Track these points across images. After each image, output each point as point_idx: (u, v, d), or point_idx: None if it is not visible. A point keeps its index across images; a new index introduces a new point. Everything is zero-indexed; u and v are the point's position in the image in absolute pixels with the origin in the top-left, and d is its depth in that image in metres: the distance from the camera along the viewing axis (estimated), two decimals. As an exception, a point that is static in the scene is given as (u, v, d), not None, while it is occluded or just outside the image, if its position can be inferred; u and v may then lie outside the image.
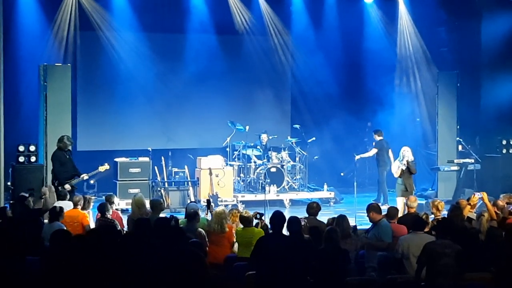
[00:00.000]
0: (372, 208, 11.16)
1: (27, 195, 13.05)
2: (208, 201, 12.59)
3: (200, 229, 11.17)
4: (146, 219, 10.06)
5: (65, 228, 11.24)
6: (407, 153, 15.68)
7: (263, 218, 11.81)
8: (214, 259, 10.56)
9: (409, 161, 15.53)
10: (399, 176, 15.66)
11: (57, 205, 13.32)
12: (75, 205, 12.73)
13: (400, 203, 15.28)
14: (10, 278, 7.78)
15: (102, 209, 12.19)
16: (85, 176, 15.23)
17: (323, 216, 12.38)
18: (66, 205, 12.93)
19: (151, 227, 9.58)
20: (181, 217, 12.15)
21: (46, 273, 7.95)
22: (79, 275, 7.87)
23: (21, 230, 9.01)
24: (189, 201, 17.15)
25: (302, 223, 11.14)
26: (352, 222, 15.27)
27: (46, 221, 13.89)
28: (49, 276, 7.86)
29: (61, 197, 13.76)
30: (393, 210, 11.73)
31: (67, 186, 14.55)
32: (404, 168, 15.53)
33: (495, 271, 9.17)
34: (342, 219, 10.90)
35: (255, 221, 11.43)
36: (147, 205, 13.79)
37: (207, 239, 11.06)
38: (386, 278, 9.27)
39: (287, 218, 9.44)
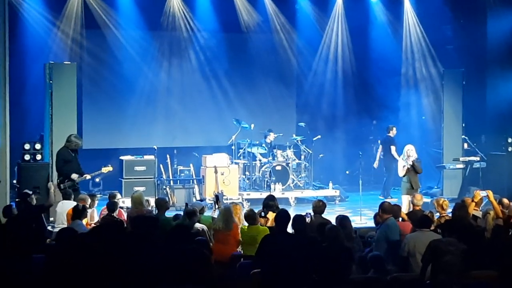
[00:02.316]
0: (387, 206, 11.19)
1: (30, 192, 13.04)
2: (217, 197, 12.58)
3: (203, 226, 11.16)
4: (151, 217, 10.03)
5: (84, 228, 11.28)
6: (411, 152, 15.65)
7: (268, 216, 11.83)
8: (220, 257, 10.52)
9: (414, 161, 15.51)
10: (404, 175, 15.63)
11: (61, 204, 13.35)
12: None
13: (405, 201, 15.26)
14: (16, 276, 7.80)
15: (111, 207, 12.19)
16: (87, 176, 15.21)
17: (330, 216, 12.37)
18: (71, 205, 12.93)
19: (155, 225, 9.55)
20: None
21: (51, 271, 7.96)
22: (83, 274, 7.87)
23: (23, 227, 9.02)
24: (194, 199, 17.18)
25: (307, 219, 11.16)
26: (358, 221, 15.37)
27: (51, 219, 13.98)
28: (54, 274, 7.87)
29: (66, 196, 13.77)
30: (397, 209, 11.71)
31: (65, 185, 14.51)
32: (409, 166, 15.50)
33: (500, 269, 9.15)
34: (344, 220, 10.75)
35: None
36: (151, 202, 13.79)
37: (212, 237, 11.06)
38: (391, 276, 9.25)
39: (292, 216, 9.44)
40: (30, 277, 7.85)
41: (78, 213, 11.59)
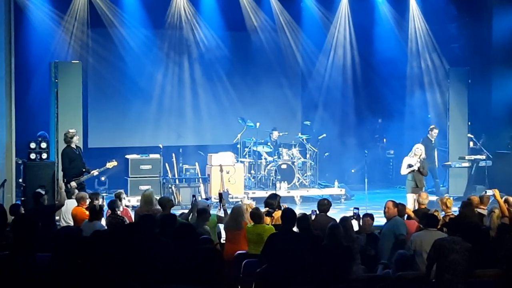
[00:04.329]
0: (395, 205, 11.18)
1: (43, 192, 13.03)
2: (220, 195, 12.59)
3: (206, 227, 11.15)
4: (150, 216, 9.99)
5: (105, 228, 11.29)
6: (419, 151, 15.60)
7: (274, 215, 11.83)
8: (230, 256, 10.52)
9: (422, 162, 15.48)
10: (409, 173, 15.58)
11: (67, 203, 13.35)
12: (78, 202, 12.68)
13: (410, 199, 15.23)
14: (22, 274, 7.82)
15: (112, 206, 12.18)
16: (95, 172, 15.28)
17: (338, 215, 12.36)
18: (75, 204, 12.92)
19: (157, 224, 9.52)
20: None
21: (56, 271, 7.97)
22: (88, 273, 7.87)
23: (30, 227, 9.03)
24: (199, 198, 17.17)
25: (313, 217, 11.17)
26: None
27: (57, 217, 13.98)
28: (58, 274, 7.88)
29: (70, 195, 13.77)
30: (402, 208, 11.72)
31: (73, 184, 14.56)
32: (416, 167, 15.43)
33: (505, 268, 9.14)
34: (344, 222, 10.50)
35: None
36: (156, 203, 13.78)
37: (217, 237, 11.06)
38: (396, 274, 9.25)
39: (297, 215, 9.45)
40: (35, 276, 7.86)
41: (96, 213, 11.51)
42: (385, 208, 11.37)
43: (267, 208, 12.00)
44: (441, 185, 19.99)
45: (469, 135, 19.34)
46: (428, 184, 17.98)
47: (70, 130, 15.25)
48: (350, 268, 9.19)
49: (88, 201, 12.60)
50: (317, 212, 11.67)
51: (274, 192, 15.28)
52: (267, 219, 11.61)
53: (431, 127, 18.90)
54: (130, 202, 16.74)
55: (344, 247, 9.19)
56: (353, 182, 20.88)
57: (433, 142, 18.57)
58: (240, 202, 12.30)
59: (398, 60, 21.47)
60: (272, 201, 12.12)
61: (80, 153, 15.18)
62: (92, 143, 19.32)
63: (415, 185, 15.41)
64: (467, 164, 19.00)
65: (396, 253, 9.70)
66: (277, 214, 11.52)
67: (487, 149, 19.12)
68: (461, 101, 19.52)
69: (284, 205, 12.23)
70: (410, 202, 14.94)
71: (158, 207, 12.38)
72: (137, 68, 20.07)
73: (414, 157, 15.56)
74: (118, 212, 12.11)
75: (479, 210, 12.02)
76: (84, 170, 15.04)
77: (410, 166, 15.57)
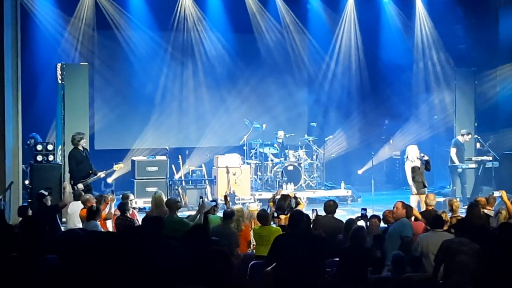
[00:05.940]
0: (405, 206, 11.17)
1: (46, 193, 13.05)
2: (225, 198, 12.60)
3: (234, 230, 11.14)
4: (156, 217, 9.96)
5: (100, 228, 11.32)
6: (422, 155, 15.52)
7: (280, 217, 11.82)
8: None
9: (428, 160, 15.43)
10: (413, 177, 15.48)
11: (72, 206, 13.37)
12: (84, 204, 12.69)
13: (414, 201, 15.15)
14: (30, 277, 7.82)
15: (122, 208, 12.20)
16: (101, 174, 15.29)
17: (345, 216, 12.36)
18: (80, 206, 12.93)
19: (162, 225, 9.51)
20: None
21: (62, 273, 7.97)
22: (91, 276, 7.86)
23: (37, 228, 9.04)
24: (206, 200, 17.14)
25: (313, 215, 11.18)
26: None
27: (64, 219, 14.01)
28: (65, 276, 7.88)
29: (75, 197, 13.79)
30: (409, 209, 11.71)
31: (80, 186, 14.58)
32: (419, 166, 15.37)
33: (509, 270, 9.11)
34: (351, 224, 10.50)
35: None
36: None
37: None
38: (404, 276, 9.24)
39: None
40: (45, 277, 7.87)
41: (93, 214, 11.60)
42: (393, 208, 11.35)
43: (273, 210, 11.98)
44: (447, 186, 19.96)
45: (475, 136, 19.30)
46: (435, 185, 17.95)
47: (82, 135, 15.24)
48: (367, 271, 9.22)
49: (94, 202, 12.62)
50: (317, 210, 11.69)
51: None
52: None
53: (465, 131, 18.59)
54: (136, 204, 16.75)
55: (367, 250, 9.22)
56: (360, 183, 20.85)
57: (464, 146, 18.49)
58: (245, 208, 12.28)
59: (405, 61, 21.47)
60: (283, 203, 12.04)
61: (87, 155, 15.19)
62: (98, 145, 19.33)
63: (423, 185, 15.30)
64: (473, 165, 18.94)
65: (392, 254, 9.67)
66: (285, 216, 11.51)
67: (494, 150, 19.07)
68: (468, 102, 19.51)
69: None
70: (414, 204, 14.81)
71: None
72: (143, 69, 20.10)
73: (417, 161, 15.43)
74: (128, 214, 12.14)
75: (485, 211, 12.00)
76: (91, 172, 15.06)
77: (414, 170, 15.43)
